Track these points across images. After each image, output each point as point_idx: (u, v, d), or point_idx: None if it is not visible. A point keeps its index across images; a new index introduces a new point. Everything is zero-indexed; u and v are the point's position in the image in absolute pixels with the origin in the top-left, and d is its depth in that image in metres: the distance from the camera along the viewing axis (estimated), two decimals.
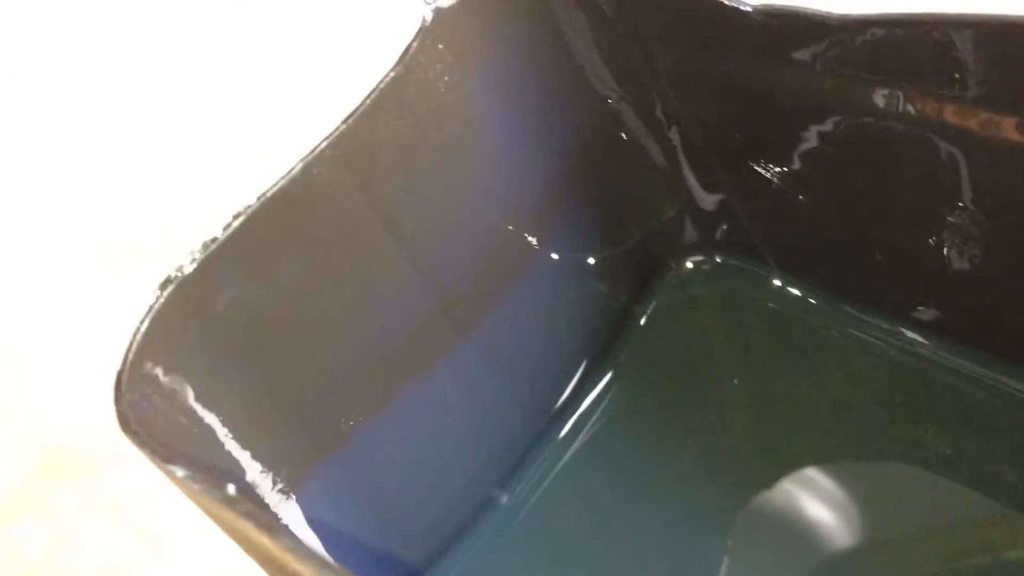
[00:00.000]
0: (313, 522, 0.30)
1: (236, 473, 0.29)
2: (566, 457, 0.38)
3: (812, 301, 0.40)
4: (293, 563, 0.23)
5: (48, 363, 0.52)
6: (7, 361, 0.52)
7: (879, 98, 0.31)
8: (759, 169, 0.35)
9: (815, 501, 0.35)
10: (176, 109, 0.63)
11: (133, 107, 0.65)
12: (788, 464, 0.36)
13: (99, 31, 0.71)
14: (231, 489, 0.27)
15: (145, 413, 0.26)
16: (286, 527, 0.22)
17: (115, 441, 0.47)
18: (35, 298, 0.55)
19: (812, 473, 0.36)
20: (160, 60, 0.67)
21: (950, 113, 0.29)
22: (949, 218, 0.33)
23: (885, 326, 0.38)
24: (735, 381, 0.39)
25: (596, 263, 0.38)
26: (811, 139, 0.33)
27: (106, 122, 0.65)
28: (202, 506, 0.26)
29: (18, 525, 0.45)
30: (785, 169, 0.35)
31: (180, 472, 0.24)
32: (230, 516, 0.24)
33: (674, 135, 0.36)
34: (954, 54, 0.28)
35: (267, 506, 0.29)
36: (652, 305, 0.41)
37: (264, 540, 0.23)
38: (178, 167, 0.60)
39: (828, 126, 0.32)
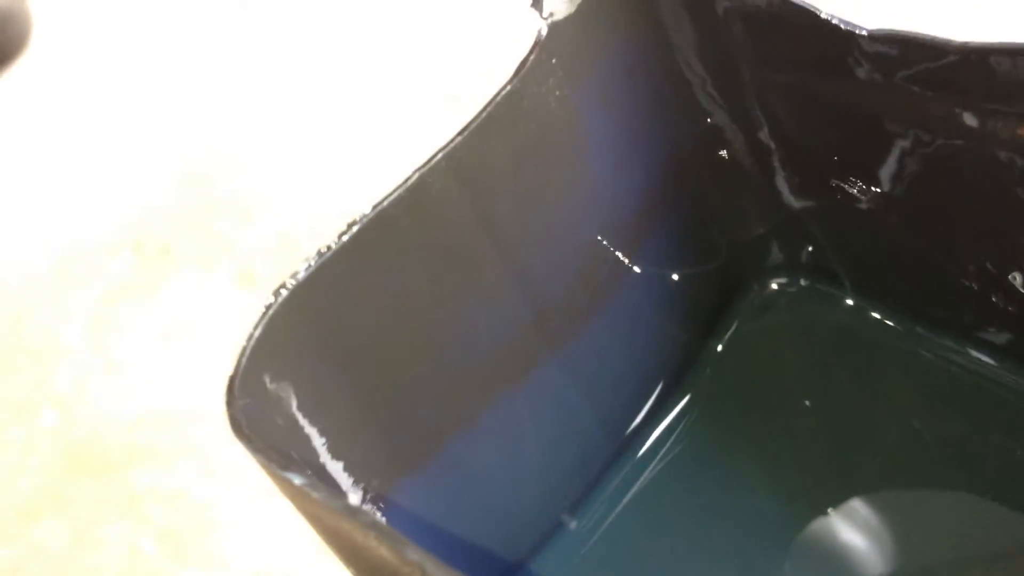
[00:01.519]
0: None
1: (328, 483, 0.29)
2: (637, 484, 0.37)
3: (889, 324, 0.40)
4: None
5: (76, 360, 0.52)
6: (35, 357, 0.52)
7: (981, 123, 0.31)
8: (853, 191, 0.35)
9: (876, 530, 0.35)
10: (282, 117, 0.63)
11: (210, 107, 0.64)
12: (854, 493, 0.36)
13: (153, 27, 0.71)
14: (352, 499, 0.27)
15: (256, 419, 0.25)
16: (410, 541, 0.22)
17: (141, 441, 0.47)
18: (66, 294, 0.55)
19: (877, 503, 0.36)
20: (253, 60, 0.67)
21: None
22: None
23: (953, 346, 0.38)
24: (809, 408, 0.39)
25: (680, 280, 0.38)
26: (910, 162, 0.33)
27: (145, 115, 0.64)
28: (314, 515, 0.26)
29: (42, 523, 0.45)
30: (879, 191, 0.35)
31: (297, 480, 0.24)
32: (348, 527, 0.23)
33: (774, 155, 0.36)
34: None
35: None
36: (732, 327, 0.41)
37: (384, 552, 0.23)
38: (222, 164, 0.60)
39: (930, 150, 0.33)
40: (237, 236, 0.56)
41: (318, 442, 0.28)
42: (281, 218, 0.56)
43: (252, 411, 0.26)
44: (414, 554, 0.22)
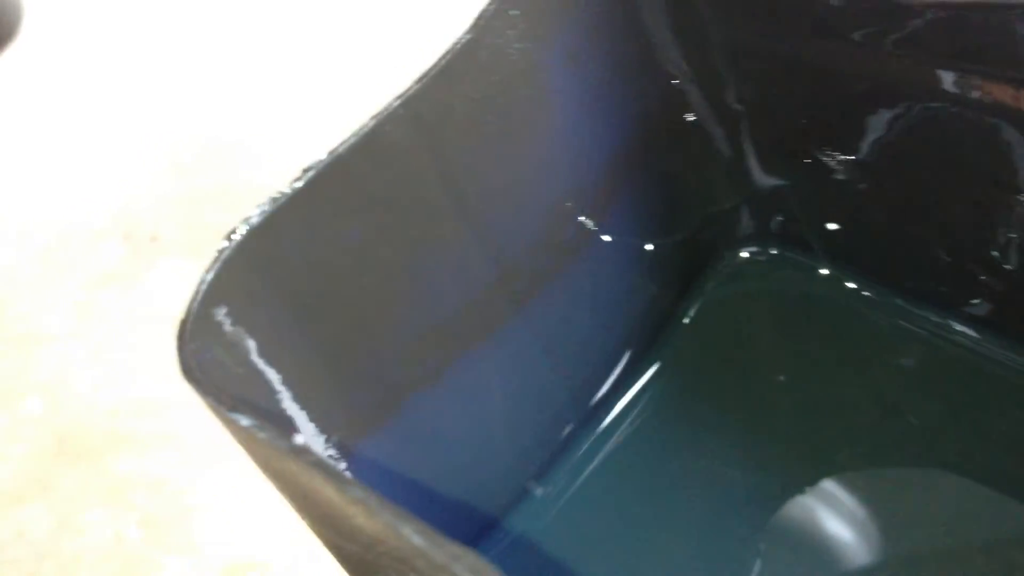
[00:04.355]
0: None
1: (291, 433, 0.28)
2: (603, 452, 0.37)
3: (865, 294, 0.39)
4: (360, 516, 0.22)
5: (60, 347, 0.52)
6: (19, 344, 0.52)
7: (952, 83, 0.30)
8: (823, 158, 0.35)
9: (852, 508, 0.35)
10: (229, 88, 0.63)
11: (175, 88, 0.65)
12: (829, 469, 0.36)
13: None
14: (298, 439, 0.26)
15: (208, 363, 0.25)
16: (354, 479, 0.22)
17: (123, 428, 0.47)
18: (52, 281, 0.55)
19: (852, 479, 0.35)
20: (207, 26, 0.67)
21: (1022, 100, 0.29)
22: (1015, 210, 0.33)
23: (935, 319, 0.38)
24: (782, 380, 0.39)
25: (652, 249, 0.38)
26: (879, 126, 0.33)
27: (137, 104, 0.65)
28: (262, 458, 0.25)
29: (25, 508, 0.45)
30: (850, 157, 0.35)
31: (244, 421, 0.23)
32: (294, 468, 0.23)
33: (742, 121, 0.36)
34: None
35: None
36: (702, 297, 0.40)
37: (330, 492, 0.23)
38: (214, 154, 0.60)
39: (898, 112, 0.32)
40: (227, 226, 0.56)
41: (279, 392, 0.28)
42: None
43: (205, 355, 0.25)
44: (357, 491, 0.22)
